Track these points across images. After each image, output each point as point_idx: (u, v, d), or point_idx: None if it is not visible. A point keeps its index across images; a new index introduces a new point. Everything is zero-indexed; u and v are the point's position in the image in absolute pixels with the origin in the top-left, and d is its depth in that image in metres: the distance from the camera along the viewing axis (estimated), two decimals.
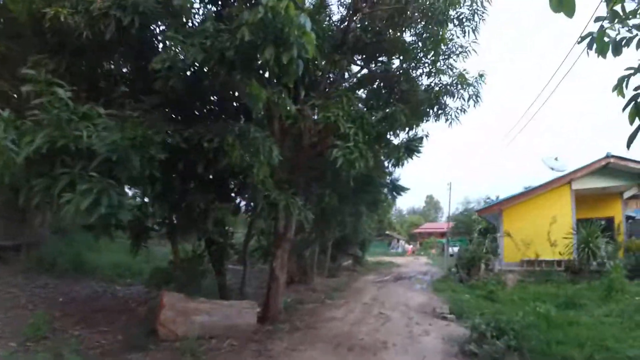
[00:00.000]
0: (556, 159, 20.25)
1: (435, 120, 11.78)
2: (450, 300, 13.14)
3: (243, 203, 10.35)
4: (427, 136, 11.89)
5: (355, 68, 11.84)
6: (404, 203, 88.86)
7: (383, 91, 11.45)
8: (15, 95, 7.73)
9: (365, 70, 11.75)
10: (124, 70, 8.21)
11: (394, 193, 15.58)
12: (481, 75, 10.93)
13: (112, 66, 8.34)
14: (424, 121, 12.06)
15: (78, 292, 10.74)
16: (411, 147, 11.61)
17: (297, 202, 8.11)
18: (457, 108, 11.25)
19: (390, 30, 10.52)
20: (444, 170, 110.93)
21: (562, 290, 13.21)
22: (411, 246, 50.58)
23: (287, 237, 9.64)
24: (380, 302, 12.66)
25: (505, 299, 12.93)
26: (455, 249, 46.34)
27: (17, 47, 7.93)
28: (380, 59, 11.53)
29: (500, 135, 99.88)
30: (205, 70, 6.08)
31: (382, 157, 12.10)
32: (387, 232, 53.34)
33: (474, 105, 10.97)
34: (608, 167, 17.60)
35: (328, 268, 22.06)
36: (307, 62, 7.68)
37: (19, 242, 12.38)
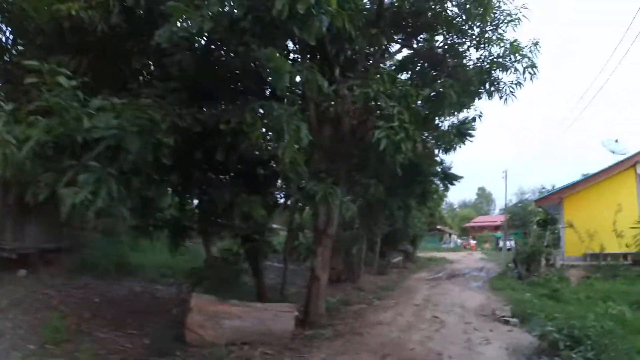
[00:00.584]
0: (617, 141, 19.08)
1: (489, 98, 10.61)
2: (511, 300, 11.94)
3: (279, 196, 9.61)
4: (480, 116, 10.91)
5: (395, 47, 10.76)
6: (455, 196, 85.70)
7: (428, 70, 10.32)
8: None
9: (406, 51, 10.68)
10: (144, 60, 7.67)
11: (446, 182, 14.43)
12: (535, 44, 9.72)
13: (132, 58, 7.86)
14: (476, 99, 10.92)
15: (116, 292, 10.40)
16: (463, 131, 10.63)
17: (337, 193, 7.20)
18: (512, 82, 10.08)
19: (431, 2, 9.38)
20: (496, 160, 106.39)
21: (634, 287, 12.01)
22: (474, 242, 48.20)
23: (327, 233, 8.80)
24: (433, 304, 11.54)
25: (570, 298, 11.62)
26: (511, 243, 44.44)
27: (37, 51, 7.63)
28: (421, 35, 10.42)
29: (556, 119, 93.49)
30: (216, 41, 5.32)
31: (431, 143, 11.09)
32: (439, 227, 51.30)
33: (531, 78, 9.79)
34: None
35: (377, 265, 21.06)
36: (339, 37, 6.85)
37: (61, 244, 12.35)
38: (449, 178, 14.12)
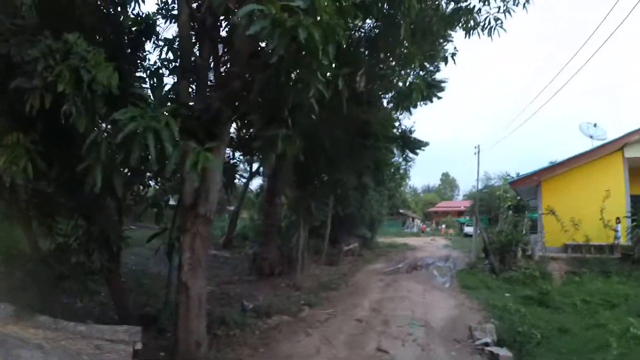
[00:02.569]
0: (595, 125, 17.63)
1: (467, 34, 8.12)
2: (489, 307, 9.15)
3: None
4: (454, 55, 8.69)
5: None
6: (418, 181, 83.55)
7: None
8: None
9: None
10: None
11: (406, 151, 11.09)
12: None
13: None
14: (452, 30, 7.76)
15: None
16: (431, 82, 7.62)
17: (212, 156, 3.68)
18: (499, 9, 7.76)
19: None
20: (460, 145, 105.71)
21: (634, 288, 10.20)
22: (443, 226, 45.69)
23: (199, 212, 5.14)
24: (383, 318, 8.08)
25: (563, 304, 9.25)
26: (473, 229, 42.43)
27: None
28: None
29: (525, 101, 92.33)
30: None
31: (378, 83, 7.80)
32: (401, 211, 48.82)
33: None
34: None
35: (326, 254, 17.71)
36: None
37: None
38: (410, 145, 10.80)
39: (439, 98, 8.25)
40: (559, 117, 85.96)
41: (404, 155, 11.78)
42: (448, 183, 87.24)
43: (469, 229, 43.38)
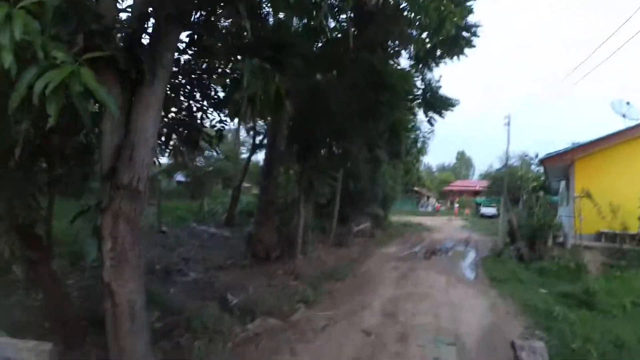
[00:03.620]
0: (628, 103, 16.05)
1: None
2: (529, 310, 7.41)
3: None
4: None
5: None
6: (433, 159, 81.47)
7: None
8: None
9: None
10: None
11: (432, 110, 9.17)
12: None
13: None
14: None
15: None
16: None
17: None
18: None
19: None
20: (477, 124, 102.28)
21: None
22: (457, 206, 43.68)
23: (120, 180, 3.35)
24: (399, 327, 6.24)
25: (611, 306, 7.57)
26: (492, 210, 40.32)
27: None
28: None
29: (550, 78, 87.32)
30: None
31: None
32: (416, 189, 46.72)
33: None
34: None
35: (335, 234, 16.01)
36: None
37: None
38: (437, 103, 8.86)
39: (472, 46, 6.36)
40: (583, 98, 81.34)
41: (428, 118, 9.81)
42: (464, 162, 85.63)
43: (486, 210, 41.59)
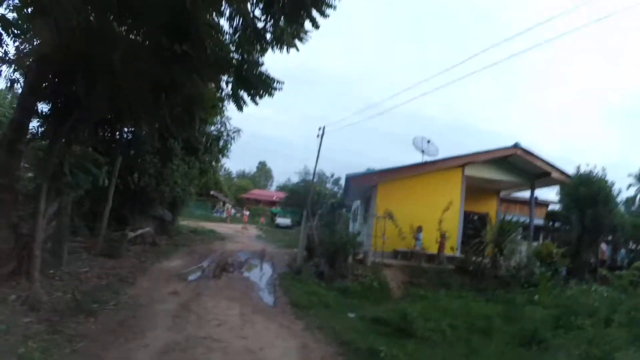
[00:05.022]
0: (429, 141, 17.60)
1: None
2: (347, 349, 6.03)
3: None
4: None
5: None
6: (234, 165, 79.74)
7: None
8: None
9: None
10: None
11: (247, 90, 7.09)
12: None
13: None
14: None
15: None
16: None
17: None
18: None
19: None
20: (280, 134, 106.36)
21: (494, 305, 9.38)
22: (246, 213, 42.86)
23: None
24: None
25: (429, 331, 7.19)
26: (287, 221, 41.01)
27: None
28: None
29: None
30: None
31: None
32: (213, 193, 44.21)
33: None
34: (509, 159, 16.03)
35: (105, 240, 12.39)
36: None
37: None
38: (254, 82, 6.82)
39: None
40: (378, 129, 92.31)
41: (237, 100, 7.53)
42: (264, 172, 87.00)
43: (281, 220, 42.09)
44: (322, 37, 8.20)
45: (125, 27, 6.62)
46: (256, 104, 7.54)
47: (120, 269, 10.27)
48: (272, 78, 7.09)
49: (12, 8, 6.44)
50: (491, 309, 9.01)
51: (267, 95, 7.22)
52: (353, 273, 12.25)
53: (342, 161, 69.37)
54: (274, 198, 58.16)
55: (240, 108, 7.50)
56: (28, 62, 7.24)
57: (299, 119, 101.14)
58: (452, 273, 12.86)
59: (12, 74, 7.67)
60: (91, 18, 6.45)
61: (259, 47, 7.30)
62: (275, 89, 7.10)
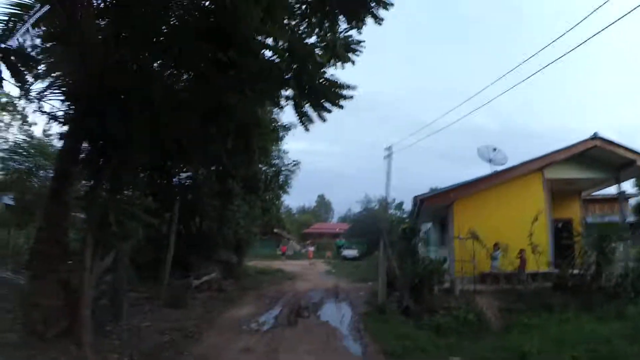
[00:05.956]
0: (495, 149, 16.34)
1: None
2: None
3: None
4: None
5: None
6: (293, 202, 79.84)
7: None
8: None
9: None
10: None
11: (311, 102, 5.96)
12: None
13: None
14: None
15: None
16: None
17: None
18: None
19: None
20: (333, 168, 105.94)
21: (610, 324, 8.01)
22: (311, 248, 41.60)
23: None
24: None
25: None
26: (354, 252, 39.30)
27: None
28: None
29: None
30: None
31: None
32: (276, 230, 43.65)
33: None
34: (588, 153, 13.65)
35: (168, 288, 11.67)
36: None
37: None
38: (320, 91, 5.65)
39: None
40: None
41: (302, 116, 6.40)
42: (323, 205, 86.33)
43: (348, 252, 40.42)
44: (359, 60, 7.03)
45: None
46: (323, 120, 6.39)
47: (185, 321, 9.37)
48: (340, 83, 5.91)
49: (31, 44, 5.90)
50: (608, 329, 7.77)
51: (335, 106, 6.06)
52: (442, 306, 10.58)
53: (396, 185, 66.87)
54: (337, 230, 56.64)
55: (306, 127, 6.36)
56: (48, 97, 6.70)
57: (351, 147, 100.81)
58: (550, 291, 11.02)
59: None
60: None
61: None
62: (344, 97, 5.91)
